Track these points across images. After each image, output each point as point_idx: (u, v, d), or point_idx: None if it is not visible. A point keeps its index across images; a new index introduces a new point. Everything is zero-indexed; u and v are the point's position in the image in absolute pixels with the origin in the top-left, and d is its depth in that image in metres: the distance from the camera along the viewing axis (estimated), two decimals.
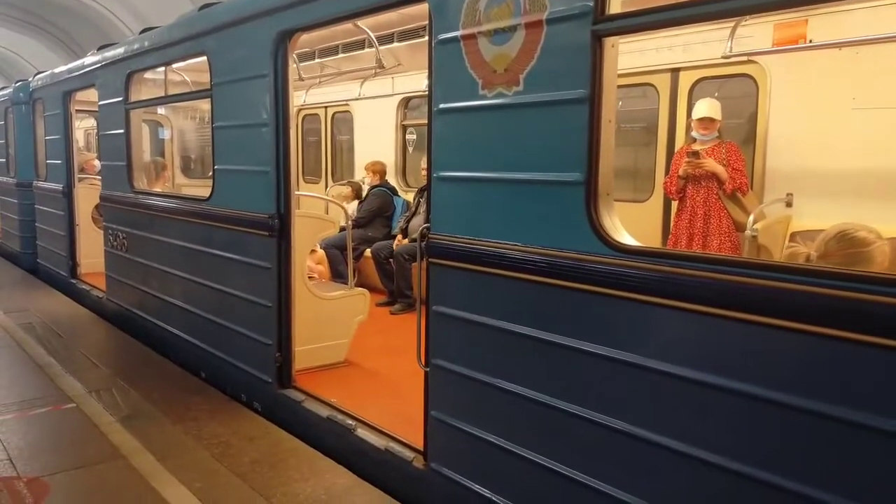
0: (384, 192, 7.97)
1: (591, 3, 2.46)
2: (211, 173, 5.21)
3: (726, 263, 2.23)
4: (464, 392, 3.14)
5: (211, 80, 4.99)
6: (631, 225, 2.70)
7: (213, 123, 5.03)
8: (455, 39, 3.03)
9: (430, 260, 3.26)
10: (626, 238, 2.55)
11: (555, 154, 2.70)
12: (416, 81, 8.13)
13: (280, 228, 4.38)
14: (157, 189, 7.02)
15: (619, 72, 2.62)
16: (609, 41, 2.52)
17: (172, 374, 5.40)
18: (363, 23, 5.44)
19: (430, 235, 3.26)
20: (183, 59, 5.74)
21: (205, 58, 5.08)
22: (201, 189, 7.54)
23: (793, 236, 5.20)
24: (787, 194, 5.31)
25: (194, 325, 5.47)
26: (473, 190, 3.04)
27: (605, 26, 2.47)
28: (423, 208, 7.16)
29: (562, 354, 2.69)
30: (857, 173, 4.91)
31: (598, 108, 2.54)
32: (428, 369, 3.32)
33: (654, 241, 6.14)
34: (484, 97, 2.94)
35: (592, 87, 2.53)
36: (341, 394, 4.37)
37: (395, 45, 6.78)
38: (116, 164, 6.67)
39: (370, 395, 4.52)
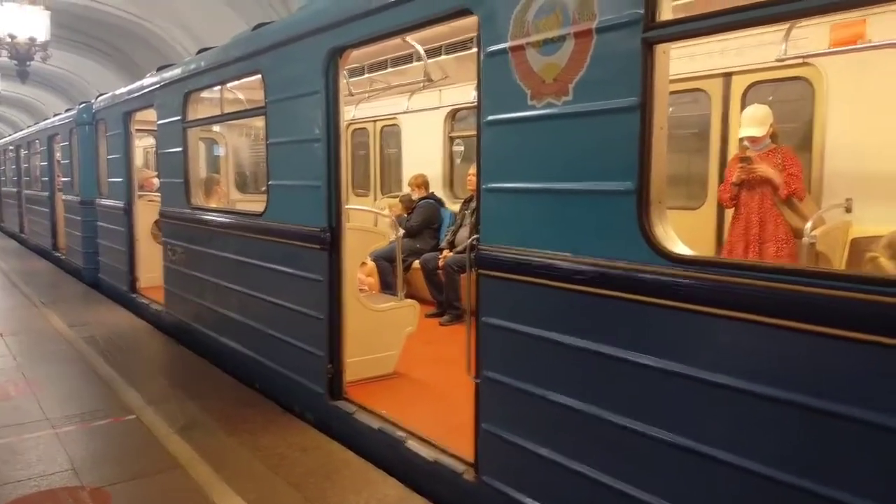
0: (431, 204, 8.01)
1: (642, 11, 2.44)
2: (265, 188, 5.33)
3: (783, 272, 2.16)
4: (515, 404, 3.11)
5: (265, 98, 5.12)
6: (684, 233, 2.65)
7: (267, 140, 5.15)
8: (504, 51, 3.04)
9: (479, 271, 3.26)
10: (679, 247, 2.50)
11: (606, 163, 2.67)
12: (464, 93, 8.16)
13: (331, 241, 4.44)
14: (213, 204, 7.21)
15: (670, 77, 2.59)
16: (660, 48, 2.49)
17: (228, 386, 5.52)
18: (411, 37, 5.50)
19: (479, 247, 3.26)
20: (238, 77, 5.89)
21: (259, 76, 5.22)
22: (255, 204, 7.72)
23: (853, 242, 5.03)
24: (847, 199, 5.14)
25: (249, 337, 5.59)
26: (523, 201, 3.04)
27: (657, 33, 2.44)
28: (468, 220, 7.18)
29: (615, 366, 2.65)
30: None
31: (649, 116, 2.51)
32: (478, 381, 3.31)
33: (707, 248, 6.02)
34: (533, 108, 2.93)
35: (643, 95, 2.50)
36: (391, 405, 4.40)
37: (443, 57, 6.84)
38: (174, 181, 6.89)
39: (420, 407, 4.54)
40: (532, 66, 2.92)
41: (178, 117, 6.65)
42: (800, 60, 5.22)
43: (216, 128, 10.98)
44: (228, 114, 6.82)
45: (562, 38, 2.77)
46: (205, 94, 6.89)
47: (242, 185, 11.64)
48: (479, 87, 3.24)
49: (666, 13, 2.44)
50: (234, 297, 5.82)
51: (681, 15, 2.50)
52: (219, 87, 6.66)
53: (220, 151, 11.48)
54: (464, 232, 7.25)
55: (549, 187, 2.91)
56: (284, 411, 4.91)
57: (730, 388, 2.28)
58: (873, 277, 1.99)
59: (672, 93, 2.61)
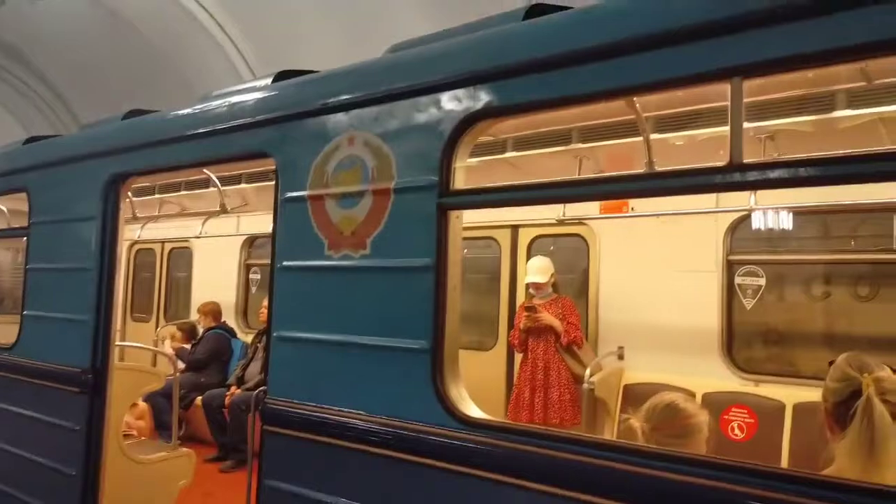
0: (220, 335, 7.52)
1: (437, 178, 2.53)
2: (20, 319, 4.63)
3: (566, 441, 2.22)
4: None
5: (29, 218, 4.56)
6: (477, 373, 2.67)
7: (26, 264, 4.54)
8: (302, 198, 2.98)
9: (265, 428, 3.00)
10: (472, 409, 2.48)
11: (401, 320, 2.64)
12: (264, 221, 7.97)
13: (94, 384, 3.89)
14: None
15: (464, 225, 2.66)
16: (454, 213, 2.57)
17: None
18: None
19: (266, 400, 3.01)
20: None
21: (24, 194, 4.66)
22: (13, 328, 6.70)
23: (626, 388, 5.46)
24: (619, 347, 5.62)
25: None
26: (316, 353, 2.89)
27: (450, 200, 2.53)
28: (261, 354, 6.78)
29: None
30: (677, 329, 5.32)
31: (443, 276, 2.55)
32: None
33: (498, 389, 6.20)
34: (330, 258, 2.86)
35: (438, 256, 2.54)
36: None
37: (243, 185, 6.69)
38: None
39: None
40: (331, 216, 2.88)
41: None
42: (576, 220, 5.81)
43: None
44: None
45: (361, 194, 2.78)
46: None
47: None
48: (274, 231, 3.12)
49: (459, 182, 2.54)
50: None
51: (473, 181, 2.64)
52: None
53: None
54: (255, 366, 6.83)
55: (344, 340, 2.80)
56: None
57: None
58: (643, 450, 2.10)
59: (465, 239, 2.69)
